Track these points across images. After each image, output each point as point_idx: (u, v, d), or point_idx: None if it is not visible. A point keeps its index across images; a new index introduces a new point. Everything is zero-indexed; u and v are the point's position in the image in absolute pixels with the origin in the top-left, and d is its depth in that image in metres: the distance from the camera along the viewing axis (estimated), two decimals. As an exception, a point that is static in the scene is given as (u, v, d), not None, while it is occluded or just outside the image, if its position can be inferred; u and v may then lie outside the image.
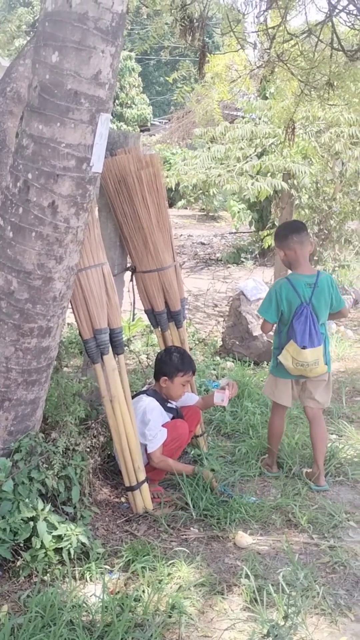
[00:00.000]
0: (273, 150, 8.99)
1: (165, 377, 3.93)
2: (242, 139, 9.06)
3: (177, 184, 9.10)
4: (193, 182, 8.84)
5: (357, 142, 8.53)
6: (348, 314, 4.53)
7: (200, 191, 9.86)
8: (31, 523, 2.91)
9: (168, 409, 3.97)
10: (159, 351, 4.15)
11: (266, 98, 9.95)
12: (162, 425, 3.81)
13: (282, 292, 3.94)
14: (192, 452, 4.30)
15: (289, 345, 3.90)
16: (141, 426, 3.72)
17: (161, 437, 3.74)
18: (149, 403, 3.81)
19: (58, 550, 2.98)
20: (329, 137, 8.33)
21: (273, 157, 8.64)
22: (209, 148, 9.66)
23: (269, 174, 8.61)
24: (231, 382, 4.18)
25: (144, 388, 4.21)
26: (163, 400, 3.95)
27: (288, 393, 4.11)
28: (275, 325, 4.08)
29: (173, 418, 3.98)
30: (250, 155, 8.92)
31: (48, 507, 3.01)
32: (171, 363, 3.93)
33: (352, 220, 9.74)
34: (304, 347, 3.83)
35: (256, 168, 8.62)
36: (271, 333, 4.35)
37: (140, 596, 2.82)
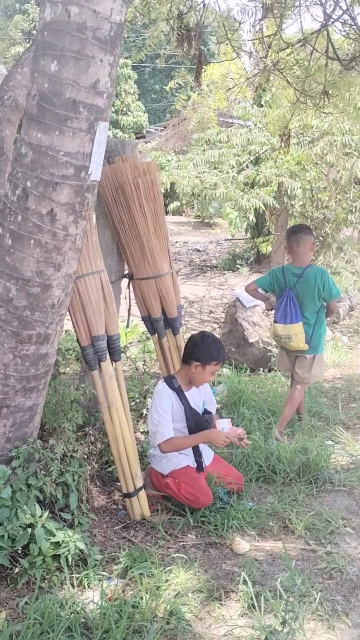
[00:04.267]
0: (267, 157, 9.04)
1: (198, 363, 3.78)
2: (237, 145, 9.11)
3: (172, 184, 9.13)
4: (187, 188, 8.87)
5: (350, 153, 8.58)
6: (336, 309, 5.19)
7: (197, 197, 9.89)
8: (29, 530, 2.91)
9: (183, 399, 3.83)
10: (196, 334, 3.97)
11: (261, 106, 10.01)
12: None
13: (276, 273, 4.95)
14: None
15: (273, 327, 4.95)
16: (149, 414, 3.76)
17: (166, 431, 3.68)
18: (159, 391, 3.80)
19: (56, 557, 2.98)
20: (321, 147, 8.37)
21: (267, 166, 8.68)
22: (203, 151, 9.71)
23: (261, 182, 8.66)
24: (242, 431, 3.96)
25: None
26: (179, 390, 3.84)
27: (282, 361, 5.13)
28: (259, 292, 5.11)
29: (192, 415, 3.84)
30: (244, 162, 8.96)
31: (46, 513, 3.01)
32: (207, 349, 3.78)
33: (346, 227, 9.78)
34: (276, 321, 4.84)
35: (251, 177, 8.66)
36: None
37: (138, 602, 2.82)
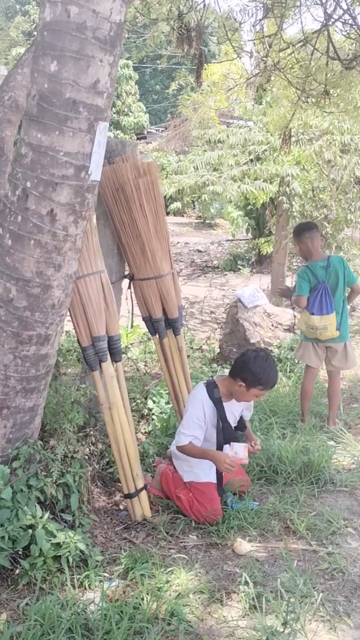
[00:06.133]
0: (267, 157, 9.03)
1: (243, 384, 3.62)
2: (236, 146, 9.11)
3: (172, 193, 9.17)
4: (185, 185, 8.90)
5: (348, 151, 8.57)
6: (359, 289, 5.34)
7: (195, 195, 9.91)
8: (30, 531, 2.90)
9: (220, 411, 3.70)
10: (250, 349, 3.79)
11: (262, 104, 10.00)
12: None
13: (307, 274, 5.00)
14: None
15: (302, 314, 5.10)
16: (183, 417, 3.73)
17: (184, 438, 3.60)
18: (195, 394, 3.71)
19: (57, 558, 2.97)
20: (319, 145, 8.36)
21: (266, 165, 8.67)
22: (204, 151, 9.71)
23: (260, 180, 8.67)
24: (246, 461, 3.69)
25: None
26: (218, 401, 3.70)
27: (310, 354, 5.18)
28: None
29: (226, 429, 3.73)
30: (244, 162, 8.96)
31: (47, 514, 3.00)
32: (255, 372, 3.58)
33: (347, 227, 9.77)
34: (312, 314, 4.95)
35: (252, 175, 8.65)
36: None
37: (139, 604, 2.81)
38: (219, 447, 3.73)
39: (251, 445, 3.78)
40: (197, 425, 3.66)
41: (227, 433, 3.73)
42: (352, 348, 5.29)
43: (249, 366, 3.61)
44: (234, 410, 3.84)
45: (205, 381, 3.82)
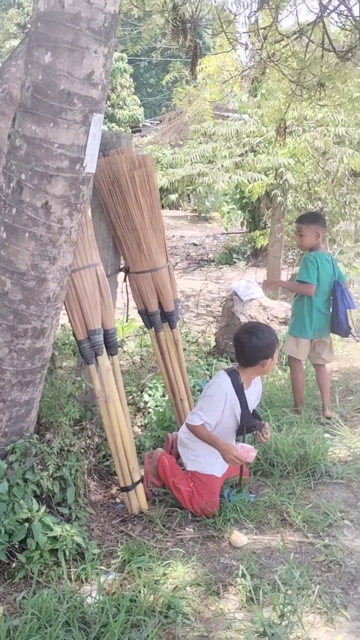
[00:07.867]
0: (262, 150, 9.03)
1: (269, 359, 3.71)
2: (231, 138, 9.10)
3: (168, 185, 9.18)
4: (178, 175, 8.92)
5: (343, 142, 8.56)
6: (349, 288, 5.43)
7: (188, 188, 9.89)
8: (26, 524, 2.90)
9: (242, 399, 3.72)
10: (240, 335, 3.78)
11: (256, 96, 9.99)
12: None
13: (317, 261, 4.95)
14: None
15: (349, 314, 4.97)
16: (201, 400, 3.72)
17: (196, 419, 3.60)
18: (220, 383, 3.71)
19: (53, 552, 2.97)
20: (312, 135, 8.35)
21: (261, 159, 8.67)
22: (200, 143, 9.69)
23: (253, 172, 8.67)
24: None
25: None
26: (241, 388, 3.73)
27: (305, 350, 5.19)
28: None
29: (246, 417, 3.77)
30: (239, 154, 8.95)
31: (43, 508, 3.00)
32: (269, 344, 3.69)
33: (342, 220, 9.77)
34: (354, 309, 4.99)
35: (246, 167, 8.64)
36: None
37: (136, 596, 2.80)
38: (237, 434, 3.79)
39: (261, 434, 3.83)
40: (215, 414, 3.66)
41: (247, 421, 3.77)
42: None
43: (259, 346, 3.68)
44: (251, 398, 3.87)
45: (226, 369, 3.85)
